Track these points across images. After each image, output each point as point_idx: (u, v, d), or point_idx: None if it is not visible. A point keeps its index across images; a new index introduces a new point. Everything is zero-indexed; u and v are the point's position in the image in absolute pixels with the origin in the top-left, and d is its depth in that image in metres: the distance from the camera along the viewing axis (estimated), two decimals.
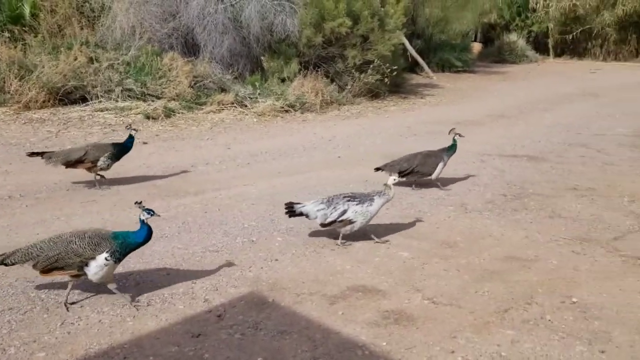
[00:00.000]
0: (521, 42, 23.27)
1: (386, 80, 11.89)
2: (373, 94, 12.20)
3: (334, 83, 11.77)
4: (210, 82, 10.35)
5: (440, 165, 5.68)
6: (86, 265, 3.16)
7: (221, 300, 3.43)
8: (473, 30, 25.70)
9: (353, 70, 11.83)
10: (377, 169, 5.71)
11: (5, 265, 3.23)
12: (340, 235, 4.30)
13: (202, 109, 9.70)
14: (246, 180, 6.07)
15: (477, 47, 23.81)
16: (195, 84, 10.13)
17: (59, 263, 3.16)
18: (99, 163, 5.48)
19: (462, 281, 3.74)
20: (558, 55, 24.56)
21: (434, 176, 5.70)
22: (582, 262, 4.04)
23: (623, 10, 21.35)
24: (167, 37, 10.82)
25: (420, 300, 3.47)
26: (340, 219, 4.19)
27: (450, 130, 5.94)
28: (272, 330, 3.09)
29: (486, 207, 5.26)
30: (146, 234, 3.30)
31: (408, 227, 4.74)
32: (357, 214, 4.19)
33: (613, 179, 6.20)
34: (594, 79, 16.77)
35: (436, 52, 18.29)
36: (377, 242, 4.36)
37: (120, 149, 5.65)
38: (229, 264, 3.91)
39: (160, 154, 7.16)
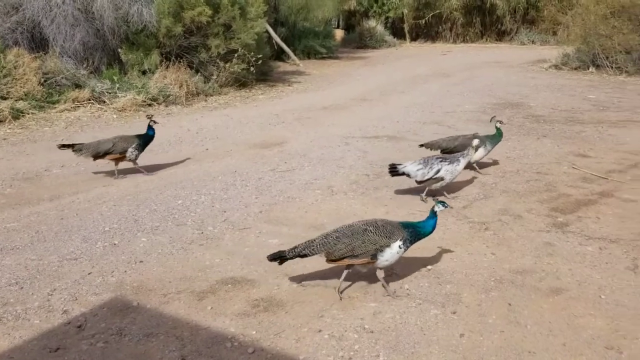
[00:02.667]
0: (380, 28, 24.36)
1: (252, 69, 11.86)
2: (240, 83, 12.12)
3: (199, 74, 11.51)
4: (62, 78, 9.63)
5: (481, 150, 5.66)
6: (381, 252, 3.25)
7: (81, 309, 3.25)
8: (335, 17, 26.45)
9: (218, 60, 11.66)
10: (422, 146, 6.07)
11: (303, 256, 3.33)
12: (426, 190, 5.06)
13: (55, 107, 9.02)
14: (107, 180, 5.76)
15: (339, 33, 24.56)
16: (45, 81, 9.37)
17: (356, 251, 3.24)
18: (127, 154, 5.73)
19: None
20: (414, 39, 26.05)
21: (473, 159, 5.69)
22: (436, 231, 4.32)
23: None
24: (11, 32, 9.89)
25: (289, 285, 3.54)
26: (435, 176, 4.90)
27: (492, 118, 6.18)
28: (137, 334, 2.99)
29: (351, 188, 5.48)
30: (434, 224, 3.41)
31: (278, 214, 4.80)
32: (447, 172, 4.90)
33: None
34: (445, 60, 18.00)
35: (301, 39, 18.59)
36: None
37: (145, 140, 5.89)
38: (89, 271, 3.71)
39: (9, 159, 6.56)
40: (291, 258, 3.37)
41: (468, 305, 3.27)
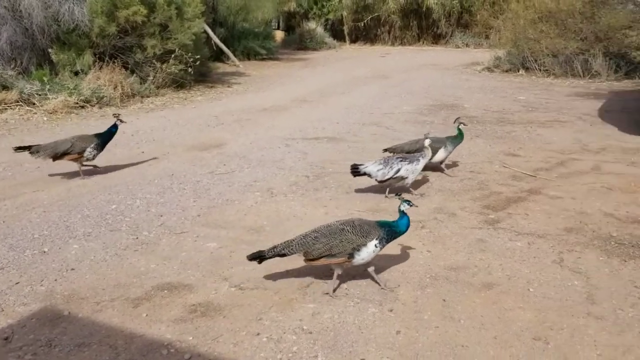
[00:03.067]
0: (320, 30, 24.52)
1: (190, 70, 11.67)
2: (178, 84, 11.90)
3: (135, 75, 11.21)
4: None
5: (442, 151, 5.78)
6: (358, 251, 3.33)
7: (8, 321, 3.10)
8: (275, 18, 26.40)
9: (154, 61, 11.39)
10: (385, 150, 5.99)
11: (282, 256, 3.40)
12: (387, 190, 5.23)
13: None
14: (36, 186, 5.52)
15: (279, 34, 24.54)
16: None
17: (334, 250, 3.32)
18: (85, 154, 5.65)
19: (268, 264, 3.83)
20: (353, 41, 26.36)
21: (435, 160, 5.79)
22: None
23: None
24: None
25: (227, 288, 3.51)
26: (395, 175, 5.05)
27: (456, 120, 6.14)
28: (68, 345, 2.88)
29: (291, 190, 5.48)
30: (407, 222, 3.48)
31: (216, 217, 4.74)
32: (407, 171, 5.06)
33: None
34: (384, 63, 18.32)
35: (240, 40, 18.44)
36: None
37: (105, 139, 5.83)
38: (17, 281, 3.54)
39: None
40: (270, 257, 3.43)
41: (404, 303, 3.34)
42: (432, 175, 5.92)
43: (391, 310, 3.25)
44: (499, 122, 8.71)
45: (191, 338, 2.95)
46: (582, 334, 3.00)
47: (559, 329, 3.05)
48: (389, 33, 25.91)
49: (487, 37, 20.89)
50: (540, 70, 13.84)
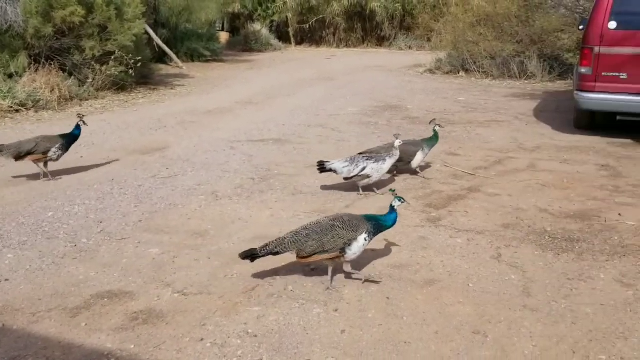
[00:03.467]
0: (265, 31, 24.42)
1: (131, 72, 11.38)
2: (119, 87, 11.58)
3: (73, 77, 10.83)
4: None
5: (420, 154, 5.78)
6: (349, 246, 3.42)
7: None
8: (219, 19, 26.12)
9: (93, 63, 11.04)
10: (360, 154, 5.59)
11: (275, 254, 3.46)
12: (360, 187, 5.37)
13: None
14: None
15: (224, 36, 24.28)
16: None
17: (326, 246, 3.40)
18: (50, 154, 5.60)
19: (213, 268, 3.82)
20: (299, 43, 26.38)
21: (414, 164, 5.85)
22: None
23: (348, 1, 23.82)
24: None
25: (170, 294, 3.45)
26: (360, 173, 5.19)
27: (431, 121, 6.10)
28: (2, 358, 2.75)
29: (236, 193, 5.44)
30: (395, 218, 3.62)
31: (159, 222, 4.65)
32: (372, 170, 5.19)
33: (344, 153, 6.91)
34: (329, 64, 18.43)
35: (184, 41, 18.14)
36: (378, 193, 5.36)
37: (69, 140, 5.80)
38: None
39: None
40: (263, 256, 3.46)
41: (349, 302, 3.38)
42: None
43: (336, 310, 3.28)
44: (441, 123, 8.90)
45: (133, 346, 2.88)
46: (519, 326, 3.12)
47: (497, 322, 3.16)
48: (334, 35, 26.06)
49: (429, 39, 21.34)
50: (479, 72, 14.27)
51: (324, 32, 26.09)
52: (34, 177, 5.76)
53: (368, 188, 5.46)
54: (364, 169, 5.22)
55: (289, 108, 10.22)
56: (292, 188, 5.57)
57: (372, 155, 5.39)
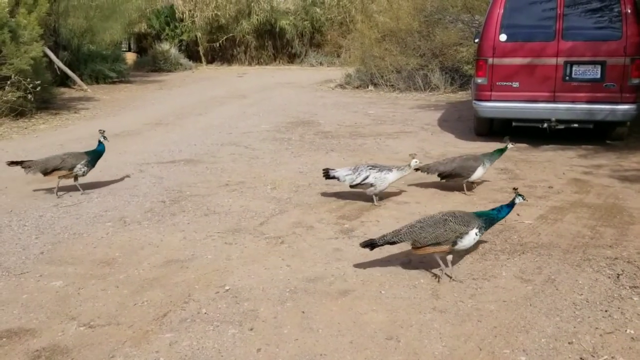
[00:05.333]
0: (174, 51, 24.01)
1: (30, 96, 10.79)
2: (17, 112, 10.94)
3: None
4: None
5: (480, 169, 5.65)
6: (460, 239, 3.69)
7: None
8: (125, 40, 25.41)
9: None
10: (417, 170, 5.65)
11: (392, 244, 3.82)
12: (373, 197, 5.50)
13: None
14: None
15: (131, 56, 23.65)
16: None
17: (439, 239, 3.66)
18: (75, 170, 5.79)
19: (121, 297, 3.67)
20: (210, 62, 26.18)
21: (473, 177, 5.72)
22: (234, 251, 4.41)
23: (257, 19, 23.97)
24: None
25: (75, 328, 3.27)
26: (362, 182, 5.32)
27: (505, 138, 5.89)
28: None
29: (145, 217, 5.27)
30: (509, 212, 3.91)
31: (62, 253, 4.41)
32: (376, 179, 5.29)
33: (258, 171, 6.93)
34: (241, 82, 18.40)
35: (87, 63, 17.45)
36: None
37: (95, 156, 5.99)
38: None
39: None
40: (381, 245, 3.81)
41: (265, 320, 3.35)
42: (290, 191, 6.03)
43: (251, 329, 3.24)
44: (352, 136, 9.14)
45: None
46: (429, 328, 3.23)
47: (408, 326, 3.25)
48: (245, 53, 26.10)
49: (338, 55, 21.88)
50: (387, 85, 14.78)
51: (235, 50, 26.06)
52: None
53: (379, 197, 5.56)
54: (366, 177, 5.33)
55: (201, 127, 10.08)
56: (204, 209, 5.48)
57: (376, 164, 5.48)
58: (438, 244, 3.71)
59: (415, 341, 3.09)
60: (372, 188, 5.44)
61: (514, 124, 8.17)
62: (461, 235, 3.71)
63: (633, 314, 3.32)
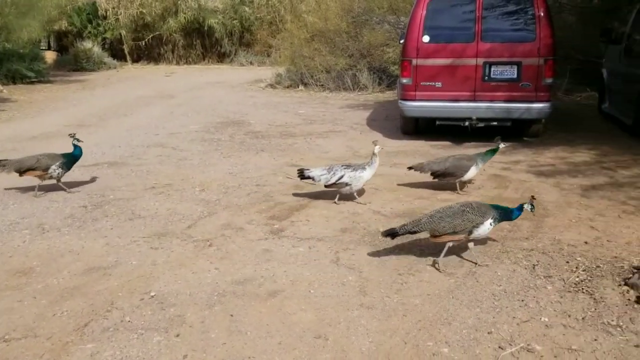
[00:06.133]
0: (97, 50, 23.12)
1: None
2: None
3: None
4: None
5: (473, 168, 5.67)
6: (476, 228, 3.86)
7: None
8: (44, 38, 24.23)
9: None
10: (410, 168, 5.89)
11: (413, 233, 3.99)
12: (354, 195, 5.55)
13: None
14: None
15: (51, 55, 22.59)
16: None
17: (457, 228, 3.82)
18: (50, 171, 5.75)
19: (39, 308, 3.50)
20: (135, 61, 25.39)
21: (467, 177, 5.74)
22: (160, 256, 4.30)
23: (185, 17, 23.46)
24: None
25: None
26: (337, 182, 5.34)
27: (496, 139, 5.77)
28: None
29: (66, 223, 5.04)
30: (519, 215, 4.07)
31: None
32: (351, 178, 5.33)
33: (186, 172, 6.80)
34: (169, 82, 17.97)
35: (3, 63, 16.50)
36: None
37: (70, 160, 5.93)
38: None
39: None
40: (402, 234, 4.01)
41: (192, 325, 3.29)
42: (219, 193, 5.95)
43: (178, 336, 3.18)
44: (282, 136, 9.13)
45: None
46: (357, 324, 3.28)
47: (336, 323, 3.29)
48: (172, 52, 25.49)
49: (268, 55, 21.82)
50: (317, 85, 14.87)
51: (161, 49, 25.41)
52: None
53: (350, 197, 5.59)
54: (341, 177, 5.34)
55: (126, 128, 9.76)
56: (129, 213, 5.31)
57: (350, 163, 5.52)
58: (455, 233, 3.89)
59: (343, 338, 3.13)
60: (347, 187, 5.46)
61: (437, 122, 8.43)
62: (477, 225, 3.89)
63: (547, 303, 3.51)
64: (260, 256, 4.30)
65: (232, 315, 3.40)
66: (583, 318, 3.32)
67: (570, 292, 3.65)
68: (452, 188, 5.89)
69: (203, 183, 6.31)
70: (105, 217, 5.19)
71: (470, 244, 4.08)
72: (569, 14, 12.90)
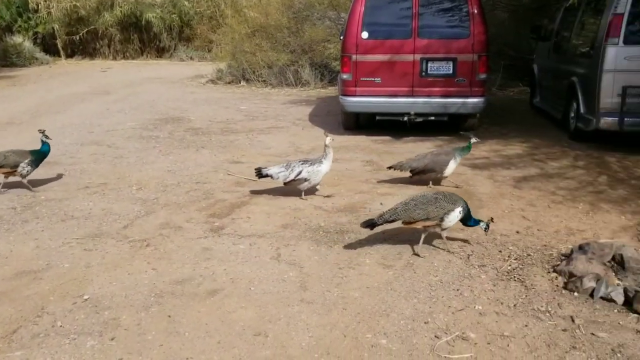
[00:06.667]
0: (28, 44, 22.04)
1: None
2: None
3: None
4: None
5: (452, 162, 5.70)
6: (447, 215, 4.03)
7: None
8: None
9: None
10: (390, 167, 5.91)
11: (391, 222, 4.10)
12: (302, 192, 5.51)
13: None
14: None
15: None
16: None
17: (430, 215, 4.03)
18: (19, 169, 5.56)
19: None
20: (69, 56, 24.37)
21: (446, 173, 5.77)
22: (94, 258, 4.16)
23: (121, 11, 22.71)
24: None
25: None
26: (296, 178, 5.32)
27: (467, 134, 6.08)
28: None
29: None
30: (471, 224, 4.24)
31: None
32: (309, 173, 5.32)
33: (122, 171, 6.60)
34: (105, 78, 17.37)
35: None
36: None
37: (39, 156, 5.74)
38: None
39: None
40: (381, 224, 4.11)
41: (127, 328, 3.20)
42: (157, 191, 5.82)
43: (113, 339, 3.09)
44: (224, 132, 9.02)
45: None
46: (297, 320, 3.28)
47: (276, 320, 3.28)
48: (109, 47, 24.58)
49: (209, 50, 21.41)
50: (259, 81, 14.74)
51: (97, 43, 24.47)
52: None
53: (310, 192, 5.61)
54: (299, 173, 5.34)
55: (59, 126, 9.36)
56: (61, 214, 5.11)
57: (307, 159, 5.55)
58: (428, 219, 4.06)
59: (283, 334, 3.13)
60: (306, 183, 5.45)
61: (377, 117, 8.54)
62: (448, 212, 4.06)
63: (481, 291, 3.63)
64: (199, 255, 4.24)
65: (169, 316, 3.33)
66: (514, 305, 3.45)
67: (502, 280, 3.79)
68: (425, 183, 5.94)
69: (140, 181, 6.15)
70: (35, 219, 4.98)
71: (443, 233, 4.23)
72: (501, 11, 13.34)
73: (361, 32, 8.06)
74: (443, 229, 4.19)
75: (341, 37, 9.03)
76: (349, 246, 4.36)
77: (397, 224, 4.26)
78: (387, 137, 8.39)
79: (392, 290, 3.64)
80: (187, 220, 4.99)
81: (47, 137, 5.87)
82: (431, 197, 4.14)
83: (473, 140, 5.88)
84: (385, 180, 6.12)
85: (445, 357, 2.92)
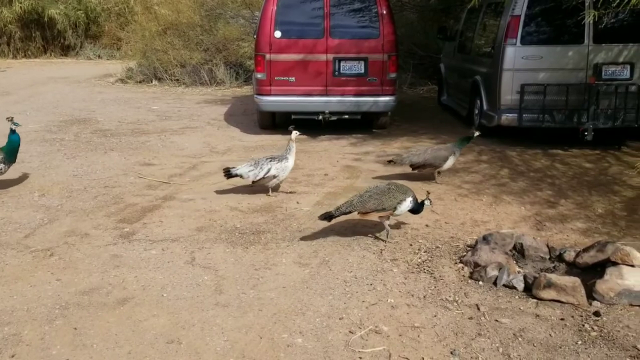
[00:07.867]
0: None
1: None
2: None
3: None
4: None
5: (452, 158, 5.83)
6: (400, 204, 4.25)
7: None
8: None
9: None
10: (389, 162, 6.04)
11: (347, 213, 4.24)
12: (270, 189, 5.52)
13: None
14: None
15: None
16: None
17: (384, 205, 4.20)
18: None
19: None
20: None
21: (445, 167, 5.89)
22: None
23: (21, 7, 21.33)
24: None
25: None
26: (266, 175, 5.32)
27: (471, 128, 6.28)
28: None
29: None
30: (417, 211, 4.47)
31: None
32: (278, 169, 5.35)
33: (24, 176, 6.21)
34: (4, 78, 16.27)
35: None
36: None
37: (11, 148, 5.45)
38: None
39: None
40: (337, 216, 4.24)
41: (29, 343, 3.02)
42: (62, 197, 5.52)
43: (13, 356, 2.90)
44: (134, 133, 8.71)
45: None
46: (211, 324, 3.23)
47: (190, 326, 3.22)
48: (8, 45, 23.01)
49: (118, 48, 20.62)
50: (171, 80, 14.37)
51: None
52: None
53: (276, 188, 5.63)
54: (269, 170, 5.34)
55: None
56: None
57: (273, 156, 5.53)
58: (383, 209, 4.21)
59: (197, 340, 3.07)
60: (275, 180, 5.45)
61: (293, 116, 8.58)
62: (401, 202, 4.25)
63: (393, 285, 3.74)
64: (108, 263, 4.07)
65: (75, 329, 3.17)
66: (424, 296, 3.58)
67: (413, 273, 3.92)
68: (430, 178, 6.06)
69: (43, 187, 5.82)
70: None
71: (386, 223, 4.36)
72: (410, 12, 13.78)
73: (274, 31, 8.05)
74: (395, 217, 4.43)
75: (255, 36, 8.98)
76: (266, 247, 4.35)
77: (354, 215, 4.41)
78: (303, 137, 8.42)
79: (308, 289, 3.67)
80: (95, 227, 4.78)
81: (16, 124, 5.49)
82: (384, 188, 4.34)
83: (476, 134, 6.19)
84: (303, 179, 6.15)
85: (359, 351, 2.98)
